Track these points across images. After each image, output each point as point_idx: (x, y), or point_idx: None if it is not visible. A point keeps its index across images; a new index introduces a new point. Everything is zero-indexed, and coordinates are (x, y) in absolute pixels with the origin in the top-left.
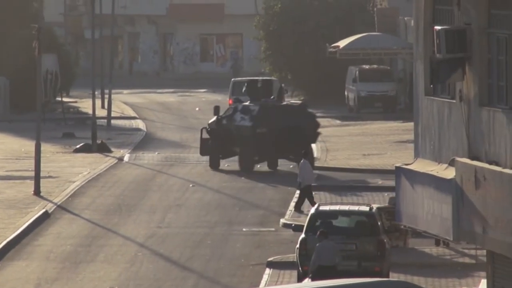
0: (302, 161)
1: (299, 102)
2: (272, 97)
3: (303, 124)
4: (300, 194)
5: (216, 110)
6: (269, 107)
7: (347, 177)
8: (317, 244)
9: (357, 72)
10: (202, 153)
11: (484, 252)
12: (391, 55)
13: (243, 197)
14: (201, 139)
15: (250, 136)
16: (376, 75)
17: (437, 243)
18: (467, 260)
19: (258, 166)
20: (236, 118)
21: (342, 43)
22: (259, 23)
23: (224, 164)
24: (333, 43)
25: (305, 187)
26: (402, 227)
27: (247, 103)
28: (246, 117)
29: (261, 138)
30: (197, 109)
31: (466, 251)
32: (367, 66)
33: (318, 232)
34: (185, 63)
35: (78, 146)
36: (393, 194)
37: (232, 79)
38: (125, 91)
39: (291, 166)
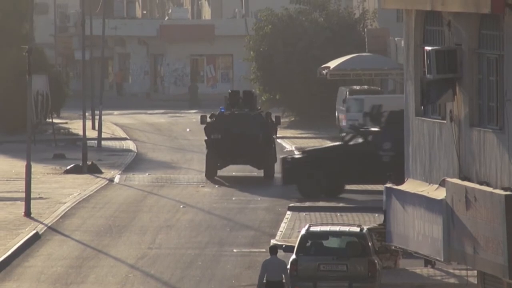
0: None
1: (266, 111)
2: (248, 109)
3: (255, 132)
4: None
5: (202, 119)
6: (226, 115)
7: (338, 198)
8: (264, 260)
9: (347, 93)
10: None
11: (475, 272)
12: (381, 75)
13: (234, 217)
14: None
15: (207, 142)
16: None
17: (426, 264)
18: (457, 281)
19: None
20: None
21: (332, 64)
22: (249, 44)
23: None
24: (324, 63)
25: None
26: (393, 247)
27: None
28: (209, 124)
29: (216, 144)
30: (187, 130)
31: (456, 271)
32: (357, 87)
33: (269, 248)
34: (175, 84)
35: (68, 167)
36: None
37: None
38: (115, 112)
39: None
